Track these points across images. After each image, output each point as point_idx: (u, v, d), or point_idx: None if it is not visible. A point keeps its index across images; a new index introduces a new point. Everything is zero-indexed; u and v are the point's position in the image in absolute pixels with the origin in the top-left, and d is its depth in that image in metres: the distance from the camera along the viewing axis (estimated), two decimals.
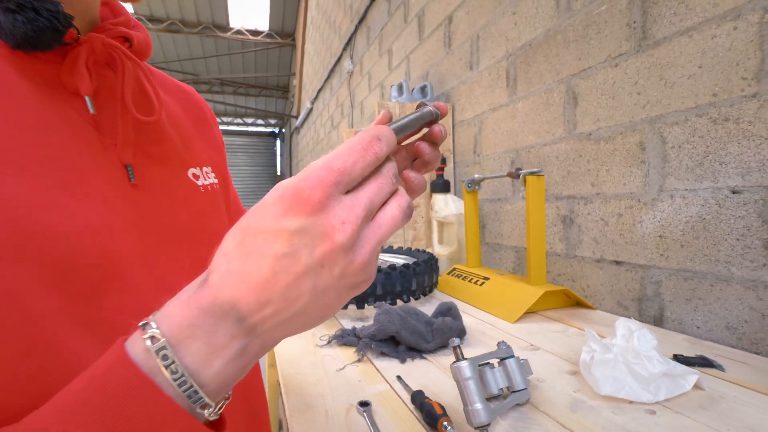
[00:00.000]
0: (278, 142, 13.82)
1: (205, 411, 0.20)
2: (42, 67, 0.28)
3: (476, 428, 0.44)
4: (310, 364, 0.70)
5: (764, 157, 0.68)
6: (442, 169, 1.60)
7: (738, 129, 0.72)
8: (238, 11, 7.54)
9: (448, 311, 0.82)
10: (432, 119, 0.30)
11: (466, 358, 0.48)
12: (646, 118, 0.88)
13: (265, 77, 10.33)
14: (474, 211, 1.28)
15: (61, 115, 0.28)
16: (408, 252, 1.36)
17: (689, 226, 0.80)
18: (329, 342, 0.80)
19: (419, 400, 0.51)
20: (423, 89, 1.83)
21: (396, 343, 0.75)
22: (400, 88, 1.84)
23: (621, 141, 0.95)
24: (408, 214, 0.23)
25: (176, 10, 7.37)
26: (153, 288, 0.30)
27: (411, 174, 0.28)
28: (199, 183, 0.38)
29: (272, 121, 13.32)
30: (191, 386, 0.19)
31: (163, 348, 0.19)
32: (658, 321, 0.87)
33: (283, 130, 12.68)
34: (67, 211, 0.25)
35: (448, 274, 1.33)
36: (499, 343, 0.56)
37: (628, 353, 0.57)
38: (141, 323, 0.20)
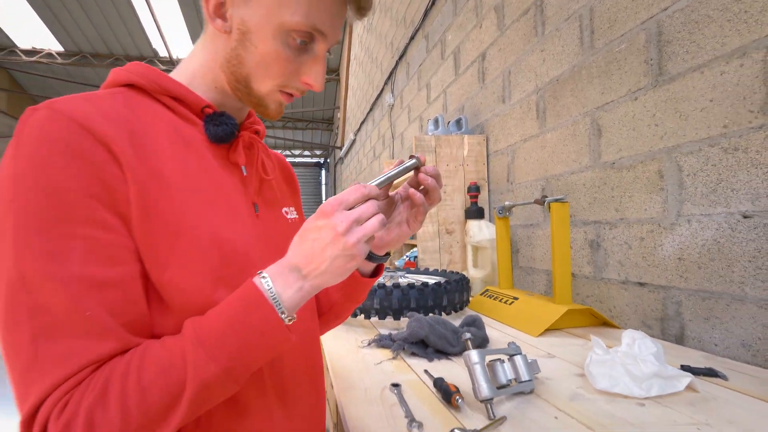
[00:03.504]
0: (323, 171, 14.46)
1: (283, 317, 0.39)
2: (221, 150, 0.49)
3: (481, 401, 0.54)
4: (353, 360, 0.81)
5: None
6: (476, 196, 1.69)
7: (747, 158, 0.77)
8: None
9: (474, 322, 0.91)
10: (417, 166, 0.46)
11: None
12: (664, 148, 0.95)
13: (312, 111, 10.98)
14: (505, 236, 1.36)
15: (229, 176, 0.49)
16: (442, 273, 1.45)
17: (705, 248, 0.84)
18: (369, 344, 0.91)
19: (439, 383, 0.60)
20: (458, 122, 1.96)
21: (425, 346, 0.84)
22: (436, 122, 1.98)
23: (641, 169, 1.01)
24: (381, 224, 0.41)
25: None
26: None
27: (411, 191, 0.52)
28: (288, 217, 0.58)
29: (318, 152, 14.00)
30: (276, 299, 0.39)
31: (266, 279, 0.40)
32: (679, 339, 0.90)
33: (328, 161, 13.28)
34: (232, 230, 0.45)
35: (481, 294, 1.40)
36: (509, 343, 0.64)
37: (626, 357, 0.64)
38: (259, 272, 0.41)
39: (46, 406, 0.32)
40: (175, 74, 0.50)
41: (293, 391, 0.49)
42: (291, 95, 0.49)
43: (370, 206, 0.41)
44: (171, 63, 7.81)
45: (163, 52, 7.71)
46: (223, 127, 0.47)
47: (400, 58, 3.41)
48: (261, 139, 0.56)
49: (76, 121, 0.36)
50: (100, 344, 0.35)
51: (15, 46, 7.32)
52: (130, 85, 0.45)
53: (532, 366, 0.64)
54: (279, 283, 0.39)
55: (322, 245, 0.39)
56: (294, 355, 0.50)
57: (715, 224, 0.83)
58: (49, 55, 7.39)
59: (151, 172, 0.39)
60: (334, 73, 9.30)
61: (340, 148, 8.23)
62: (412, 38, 3.05)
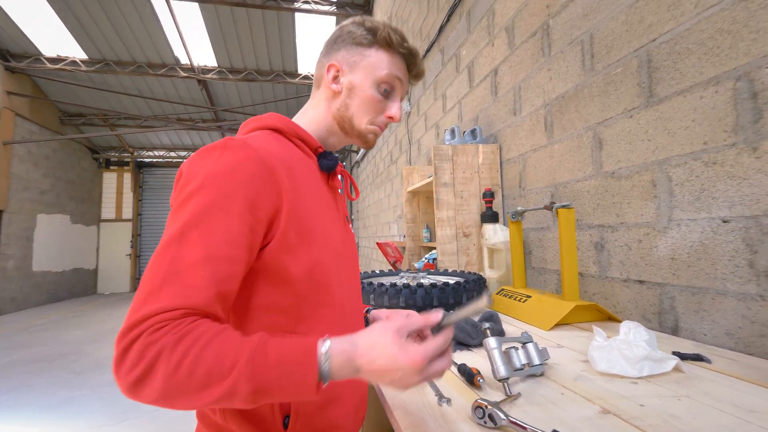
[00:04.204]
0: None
1: (322, 385, 0.46)
2: (324, 177, 0.70)
3: (499, 380, 0.67)
4: None
5: (744, 193, 0.85)
6: (491, 201, 1.83)
7: (723, 171, 0.90)
8: (306, 59, 8.42)
9: (491, 317, 1.05)
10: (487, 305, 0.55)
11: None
12: (656, 161, 1.07)
13: None
14: (518, 239, 1.49)
15: (331, 196, 0.70)
16: (461, 274, 1.60)
17: (693, 249, 0.97)
18: None
19: (463, 368, 0.75)
20: (473, 132, 2.09)
21: None
22: (452, 132, 2.12)
23: (637, 179, 1.13)
24: (447, 368, 0.50)
25: (252, 62, 8.33)
26: (348, 264, 0.70)
27: None
28: (352, 229, 0.77)
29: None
30: (324, 372, 0.45)
31: (327, 353, 0.46)
32: (674, 331, 1.02)
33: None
34: (336, 232, 0.66)
35: (497, 294, 1.54)
36: (522, 332, 0.79)
37: (623, 344, 0.77)
38: (324, 338, 0.47)
39: (148, 323, 0.44)
40: (297, 121, 0.73)
41: None
42: (380, 129, 0.72)
43: (446, 364, 0.49)
44: (192, 70, 8.02)
45: (184, 60, 7.91)
46: (332, 162, 0.70)
47: None
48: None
49: (260, 158, 0.55)
50: (196, 299, 0.46)
51: (40, 54, 7.45)
52: (272, 129, 0.67)
53: (543, 353, 0.78)
54: (335, 363, 0.46)
55: (392, 376, 0.46)
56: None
57: (700, 228, 0.95)
58: (74, 62, 7.50)
59: (295, 190, 0.58)
60: None
61: (357, 152, 8.43)
62: (428, 51, 3.20)
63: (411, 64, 0.71)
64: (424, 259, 2.32)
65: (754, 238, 0.84)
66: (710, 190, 0.93)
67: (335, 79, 0.70)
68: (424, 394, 0.71)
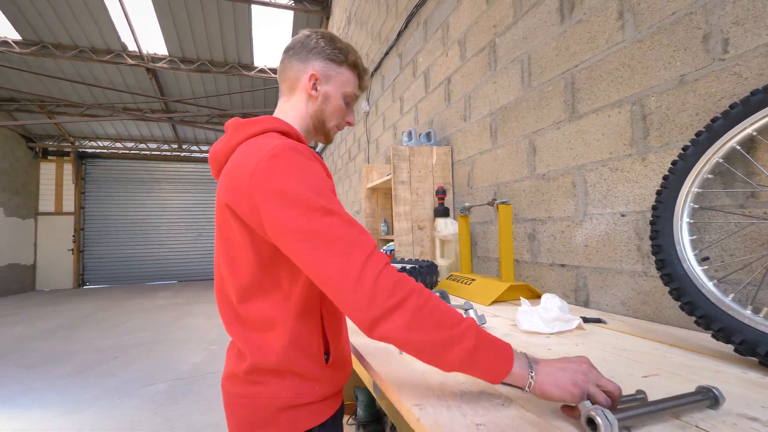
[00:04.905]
0: None
1: (532, 377, 0.54)
2: None
3: None
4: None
5: (636, 193, 1.09)
6: (443, 198, 2.02)
7: (623, 176, 1.13)
8: (262, 51, 8.27)
9: (441, 294, 1.23)
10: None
11: None
12: (575, 166, 1.30)
13: None
14: (466, 231, 1.69)
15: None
16: (415, 262, 1.77)
17: (600, 237, 1.20)
18: None
19: None
20: (428, 134, 2.28)
21: None
22: (410, 134, 2.30)
23: (562, 180, 1.36)
24: (609, 403, 0.51)
25: (206, 52, 7.99)
26: None
27: None
28: None
29: None
30: (524, 368, 0.55)
31: (524, 356, 0.57)
32: (586, 304, 1.25)
33: None
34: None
35: (447, 279, 1.73)
36: (464, 302, 0.97)
37: (541, 309, 0.97)
38: (522, 352, 0.57)
39: (371, 264, 0.54)
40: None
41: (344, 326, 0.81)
42: (338, 129, 0.86)
43: (609, 397, 0.52)
44: (141, 58, 7.59)
45: (132, 47, 7.50)
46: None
47: (375, 69, 3.70)
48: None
49: (308, 150, 0.68)
50: (371, 237, 0.60)
51: None
52: (280, 132, 0.74)
53: (481, 317, 0.96)
54: (519, 364, 0.56)
55: (563, 366, 0.54)
56: None
57: (605, 221, 1.19)
58: (5, 43, 6.93)
59: None
60: None
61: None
62: (386, 54, 3.36)
63: (362, 81, 0.88)
64: (382, 250, 2.48)
65: (641, 228, 1.08)
66: (613, 191, 1.16)
67: (314, 86, 0.81)
68: (386, 348, 0.87)
